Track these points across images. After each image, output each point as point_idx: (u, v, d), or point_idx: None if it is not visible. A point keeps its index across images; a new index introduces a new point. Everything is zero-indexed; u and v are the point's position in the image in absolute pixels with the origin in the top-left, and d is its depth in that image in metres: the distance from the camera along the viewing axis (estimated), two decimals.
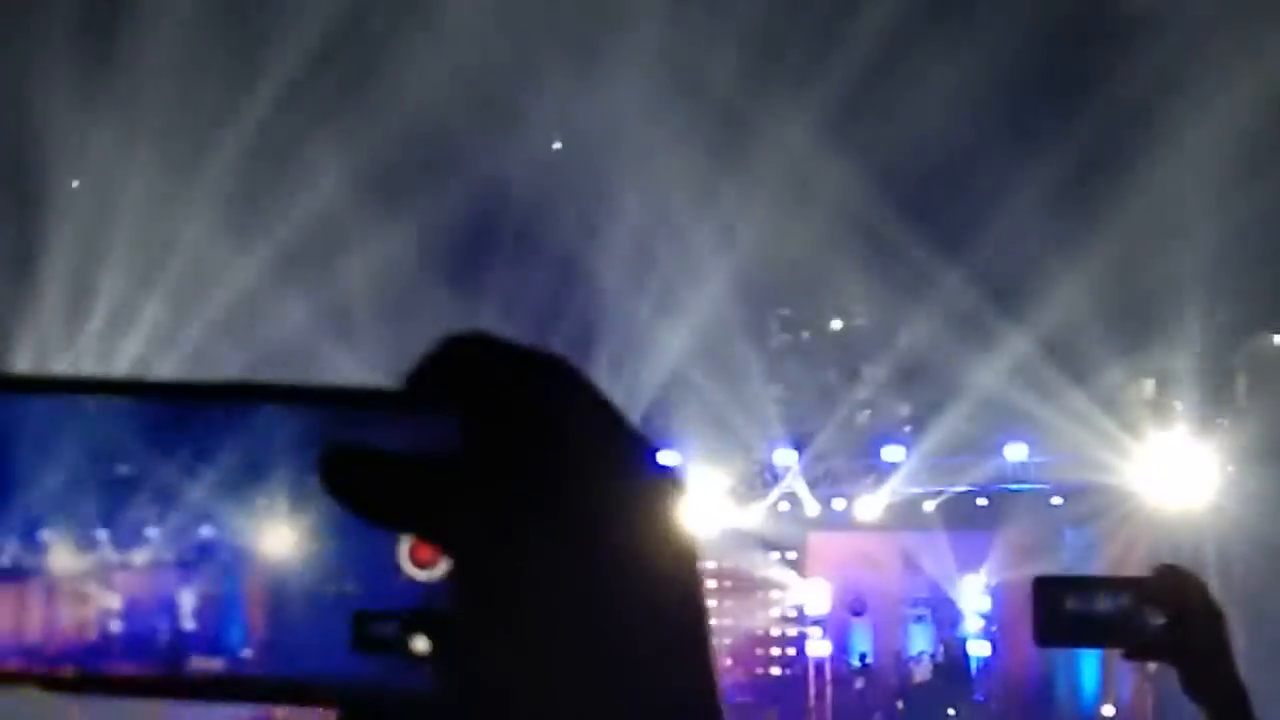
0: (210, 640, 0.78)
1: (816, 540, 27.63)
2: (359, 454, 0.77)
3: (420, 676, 0.77)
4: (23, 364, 24.95)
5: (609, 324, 26.62)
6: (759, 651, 27.53)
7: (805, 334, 29.41)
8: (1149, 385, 26.61)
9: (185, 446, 0.78)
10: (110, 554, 0.78)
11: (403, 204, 26.41)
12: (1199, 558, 21.77)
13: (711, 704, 0.79)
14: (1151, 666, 13.29)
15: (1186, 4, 25.02)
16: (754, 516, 27.33)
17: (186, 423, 0.79)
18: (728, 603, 26.32)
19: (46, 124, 25.94)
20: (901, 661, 27.62)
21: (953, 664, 27.30)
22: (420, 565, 0.77)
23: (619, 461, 0.78)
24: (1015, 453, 26.85)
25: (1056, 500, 26.40)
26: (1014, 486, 26.68)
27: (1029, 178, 25.32)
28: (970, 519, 26.66)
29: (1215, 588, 3.27)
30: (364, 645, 0.77)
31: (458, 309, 24.56)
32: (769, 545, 27.47)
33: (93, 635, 0.78)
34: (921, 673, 27.56)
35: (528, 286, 26.43)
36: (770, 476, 27.71)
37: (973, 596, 26.97)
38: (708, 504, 25.18)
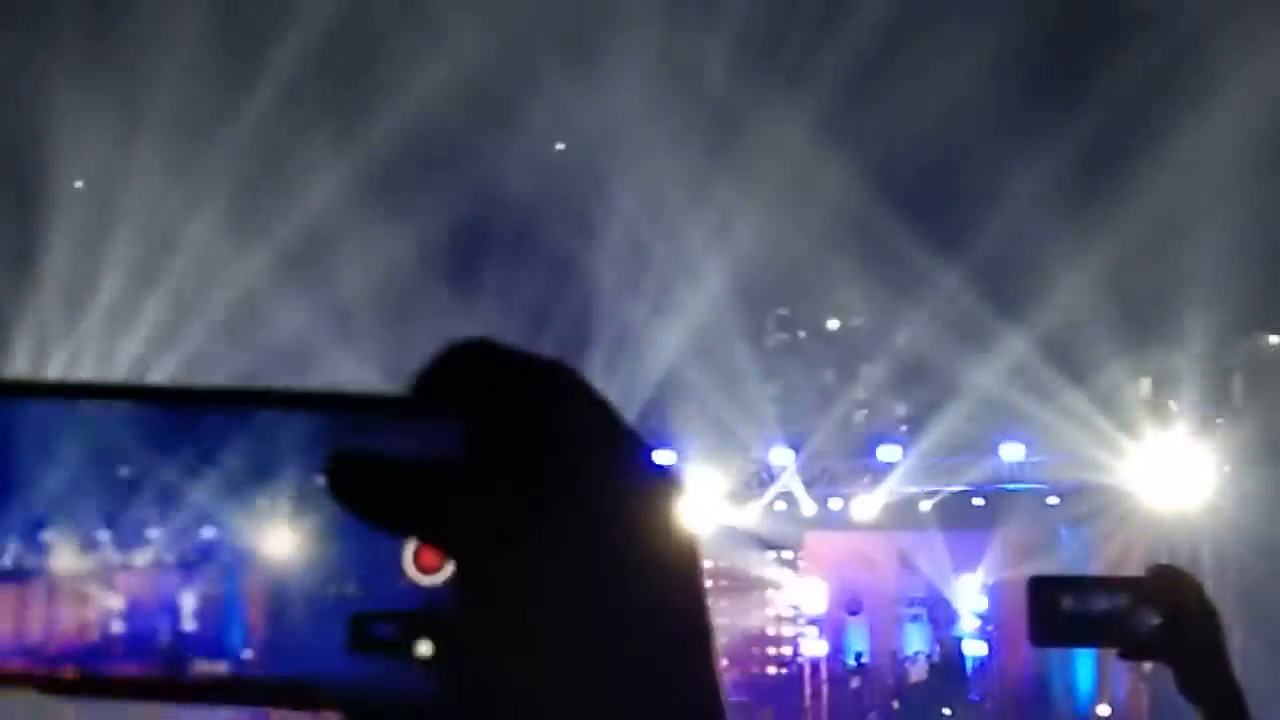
0: (211, 642, 0.78)
1: (813, 540, 27.61)
2: (364, 460, 0.78)
3: (423, 679, 0.77)
4: (23, 364, 24.94)
5: (607, 323, 26.62)
6: (755, 651, 27.51)
7: (802, 333, 29.41)
8: (1146, 385, 26.60)
9: (188, 449, 0.79)
10: (112, 555, 0.78)
11: (405, 205, 26.41)
12: (1195, 558, 21.80)
13: (716, 704, 0.79)
14: (1147, 666, 13.26)
15: (1185, 4, 25.04)
16: (750, 516, 27.31)
17: (190, 426, 0.79)
18: (724, 602, 26.27)
19: (47, 124, 25.93)
20: (897, 661, 27.61)
21: (949, 663, 27.29)
22: (424, 570, 0.77)
23: (620, 464, 0.79)
24: (1012, 452, 26.83)
25: (1053, 500, 26.38)
26: (1010, 486, 26.66)
27: (1026, 178, 25.33)
28: (967, 519, 26.64)
29: (1211, 588, 3.27)
30: (365, 647, 0.77)
31: (458, 309, 24.57)
32: (765, 545, 27.45)
33: (94, 636, 0.78)
34: (917, 672, 27.55)
35: (527, 286, 26.43)
36: (766, 476, 27.69)
37: (969, 596, 26.96)
38: (704, 503, 25.17)
